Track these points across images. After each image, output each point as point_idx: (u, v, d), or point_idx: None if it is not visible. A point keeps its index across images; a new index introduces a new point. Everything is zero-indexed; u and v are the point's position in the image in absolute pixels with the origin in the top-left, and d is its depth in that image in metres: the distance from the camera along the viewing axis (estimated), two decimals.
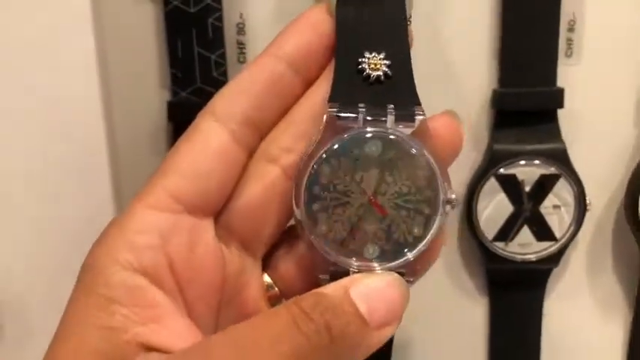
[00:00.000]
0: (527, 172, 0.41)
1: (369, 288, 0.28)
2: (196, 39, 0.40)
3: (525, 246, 0.42)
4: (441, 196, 0.30)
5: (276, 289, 0.32)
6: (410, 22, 0.40)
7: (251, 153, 0.30)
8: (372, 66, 0.31)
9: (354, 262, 0.30)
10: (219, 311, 0.30)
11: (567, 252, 0.43)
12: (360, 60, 0.30)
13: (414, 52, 0.31)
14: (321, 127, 0.30)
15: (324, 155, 0.30)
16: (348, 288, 0.28)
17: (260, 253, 0.31)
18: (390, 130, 0.30)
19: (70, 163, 0.38)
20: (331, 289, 0.28)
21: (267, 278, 0.32)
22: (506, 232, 0.42)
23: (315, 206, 0.30)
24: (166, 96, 0.41)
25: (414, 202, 0.30)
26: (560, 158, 0.41)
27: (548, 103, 0.41)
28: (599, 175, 0.43)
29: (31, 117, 0.37)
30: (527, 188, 0.42)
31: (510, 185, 0.42)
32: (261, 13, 0.40)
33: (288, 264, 0.32)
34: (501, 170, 0.41)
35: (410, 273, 0.30)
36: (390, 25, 0.31)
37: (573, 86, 0.41)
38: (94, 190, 0.39)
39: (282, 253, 0.32)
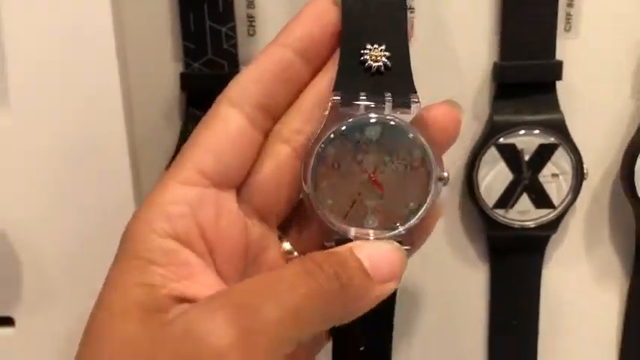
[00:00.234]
0: (527, 141, 0.43)
1: (371, 250, 0.32)
2: (208, 13, 0.42)
3: (524, 213, 0.44)
4: (434, 174, 0.34)
5: (296, 253, 0.36)
6: (412, 10, 0.42)
7: (266, 134, 0.34)
8: (373, 57, 0.34)
9: (354, 232, 0.34)
10: (244, 273, 0.34)
11: (565, 220, 0.45)
12: (362, 52, 0.33)
13: (418, 30, 0.33)
14: (326, 113, 0.33)
15: (329, 138, 0.33)
16: (353, 249, 0.32)
17: (276, 223, 0.35)
18: (388, 117, 0.33)
19: (90, 131, 0.40)
20: (339, 249, 0.32)
21: (287, 245, 0.35)
22: (506, 200, 0.44)
23: (322, 183, 0.34)
24: (179, 68, 0.42)
25: (410, 177, 0.34)
26: (559, 128, 0.43)
27: (547, 75, 0.43)
28: (597, 146, 0.44)
29: (51, 88, 0.40)
30: (527, 157, 0.43)
31: (510, 154, 0.43)
32: None
33: (302, 233, 0.36)
34: (501, 140, 0.43)
35: (407, 242, 0.34)
36: (391, 18, 0.34)
37: (571, 59, 0.43)
38: (111, 155, 0.41)
39: (296, 223, 0.36)
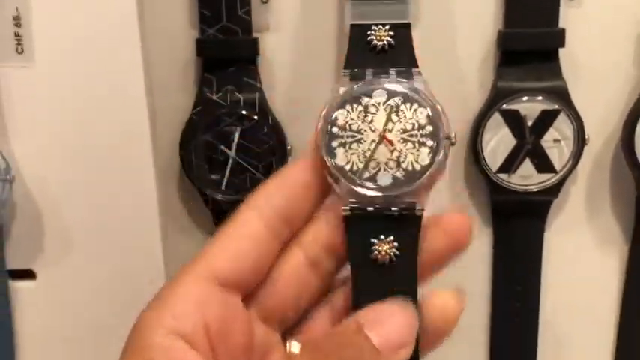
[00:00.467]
0: (530, 107, 0.44)
1: (378, 320, 0.33)
2: None
3: (527, 178, 0.45)
4: (442, 132, 0.36)
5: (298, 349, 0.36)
6: None
7: (283, 244, 0.35)
8: (379, 37, 0.37)
9: (369, 192, 0.36)
10: None
11: (566, 186, 0.46)
12: (368, 32, 0.37)
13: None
14: (337, 87, 0.36)
15: (339, 102, 0.36)
16: (359, 322, 0.33)
17: (282, 327, 0.36)
18: (393, 83, 0.36)
19: (110, 91, 0.42)
20: (344, 325, 0.33)
21: (293, 347, 0.36)
22: (509, 164, 0.45)
23: (334, 143, 0.36)
24: (196, 34, 0.44)
25: (418, 136, 0.36)
26: (561, 95, 0.44)
27: (550, 43, 0.44)
28: (598, 113, 0.46)
29: (74, 55, 0.42)
30: (530, 123, 0.44)
31: (513, 120, 0.44)
32: None
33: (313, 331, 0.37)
34: (505, 106, 0.44)
35: (421, 202, 0.36)
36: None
37: (574, 28, 0.44)
38: (130, 117, 0.43)
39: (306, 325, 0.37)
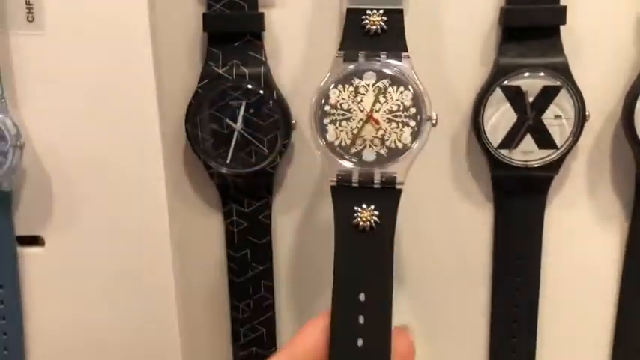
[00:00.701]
0: (531, 83, 0.45)
1: None
2: None
3: (528, 153, 0.46)
4: (424, 114, 0.39)
5: None
6: None
7: None
8: (372, 22, 0.40)
9: (354, 166, 0.39)
10: None
11: (567, 163, 0.47)
12: (362, 17, 0.40)
13: None
14: (331, 68, 0.40)
15: (332, 81, 0.39)
16: None
17: None
18: (382, 67, 0.39)
19: (118, 66, 0.43)
20: None
21: None
22: (511, 140, 0.46)
23: (326, 120, 0.40)
24: (202, 9, 0.45)
25: (403, 117, 0.39)
26: (562, 71, 0.45)
27: (551, 19, 0.45)
28: (599, 90, 0.46)
29: (84, 24, 0.43)
30: (531, 99, 0.45)
31: (515, 96, 0.45)
32: None
33: None
34: (506, 82, 0.45)
35: (401, 177, 0.39)
36: None
37: (575, 5, 0.44)
38: (138, 88, 0.44)
39: None
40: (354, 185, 0.40)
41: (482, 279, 0.50)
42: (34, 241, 0.46)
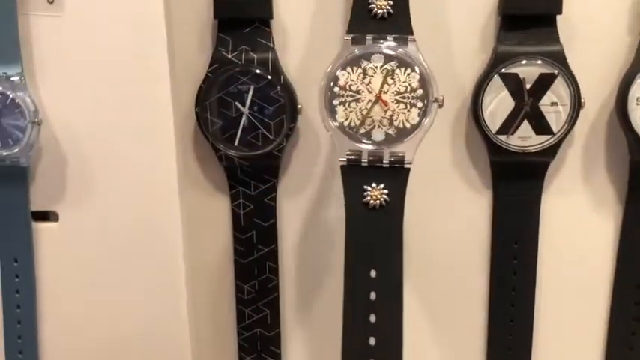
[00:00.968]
0: (528, 71, 0.46)
1: None
2: None
3: (525, 139, 0.47)
4: (431, 95, 0.41)
5: None
6: None
7: None
8: (379, 6, 0.41)
9: (364, 146, 0.41)
10: None
11: (563, 148, 0.48)
12: (370, 1, 0.41)
13: None
14: (340, 51, 0.41)
15: (341, 64, 0.41)
16: None
17: None
18: (390, 49, 0.41)
19: (134, 48, 0.45)
20: None
21: None
22: (508, 126, 0.47)
23: (335, 101, 0.41)
24: None
25: (410, 98, 0.41)
26: (559, 59, 0.46)
27: (548, 8, 0.46)
28: (594, 78, 0.48)
29: (103, 6, 0.45)
30: (528, 86, 0.47)
31: (513, 83, 0.47)
32: None
33: None
34: (504, 69, 0.47)
35: (409, 157, 0.41)
36: None
37: None
38: (152, 71, 0.46)
39: None
40: (363, 165, 0.41)
41: (479, 263, 0.51)
42: (49, 216, 0.47)
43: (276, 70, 0.47)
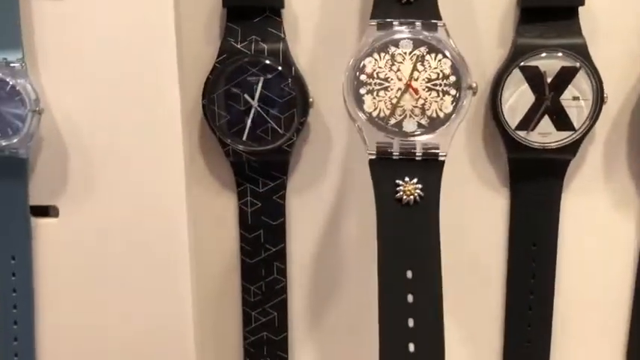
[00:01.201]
0: (550, 64, 0.45)
1: None
2: None
3: (546, 135, 0.46)
4: (464, 82, 0.39)
5: None
6: None
7: None
8: None
9: (395, 140, 0.39)
10: None
11: (584, 146, 0.47)
12: None
13: None
14: (364, 37, 0.39)
15: (367, 52, 0.39)
16: None
17: None
18: (419, 34, 0.39)
19: (140, 37, 0.43)
20: None
21: None
22: (528, 121, 0.46)
23: (362, 90, 0.39)
24: None
25: (443, 85, 0.39)
26: (581, 52, 0.45)
27: (570, 0, 0.45)
28: (616, 73, 0.46)
29: (111, 3, 0.43)
30: (549, 79, 0.45)
31: (533, 76, 0.45)
32: None
33: None
34: (524, 62, 0.45)
35: (443, 148, 0.39)
36: None
37: None
38: (159, 61, 0.44)
39: None
40: (394, 157, 0.39)
41: (496, 266, 0.49)
42: (48, 211, 0.45)
43: (287, 61, 0.45)
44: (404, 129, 0.39)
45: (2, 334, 0.46)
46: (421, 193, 0.39)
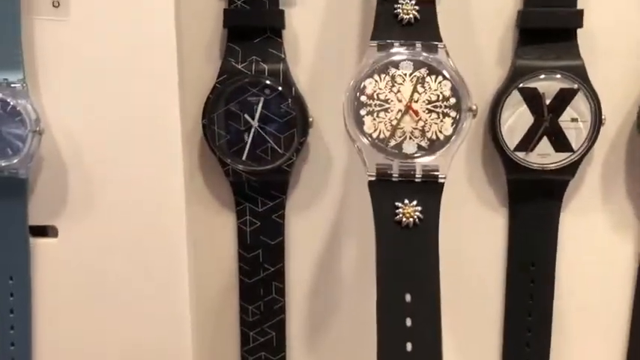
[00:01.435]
0: (548, 85, 0.45)
1: None
2: None
3: (544, 156, 0.46)
4: (464, 104, 0.39)
5: None
6: None
7: None
8: (405, 11, 0.39)
9: (394, 159, 0.39)
10: None
11: (583, 167, 0.47)
12: (395, 6, 0.39)
13: None
14: (365, 58, 0.39)
15: (367, 73, 0.39)
16: None
17: None
18: (419, 56, 0.39)
19: (141, 56, 0.44)
20: None
21: None
22: (527, 143, 0.46)
23: (362, 111, 0.39)
24: (223, 5, 0.45)
25: (443, 107, 0.39)
26: (579, 74, 0.45)
27: (568, 22, 0.45)
28: (614, 95, 0.47)
29: (109, 12, 0.43)
30: (548, 101, 0.45)
31: (532, 97, 0.45)
32: None
33: None
34: (523, 84, 0.45)
35: (443, 170, 0.39)
36: None
37: (592, 8, 0.45)
38: (160, 81, 0.44)
39: None
40: (394, 179, 0.39)
41: (494, 286, 0.49)
42: (47, 231, 0.45)
43: (288, 81, 0.45)
44: (404, 151, 0.39)
45: None
46: (420, 215, 0.39)
